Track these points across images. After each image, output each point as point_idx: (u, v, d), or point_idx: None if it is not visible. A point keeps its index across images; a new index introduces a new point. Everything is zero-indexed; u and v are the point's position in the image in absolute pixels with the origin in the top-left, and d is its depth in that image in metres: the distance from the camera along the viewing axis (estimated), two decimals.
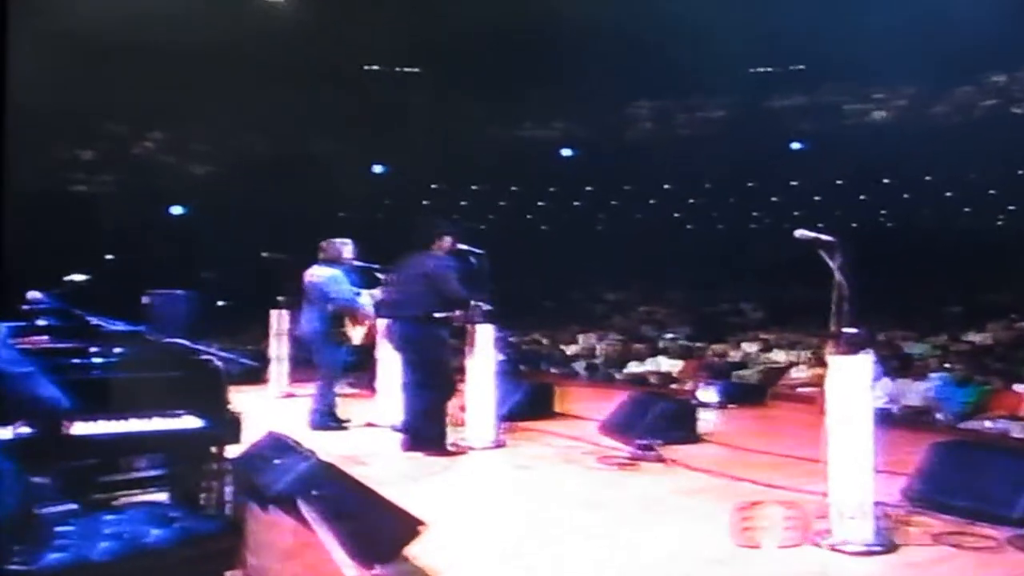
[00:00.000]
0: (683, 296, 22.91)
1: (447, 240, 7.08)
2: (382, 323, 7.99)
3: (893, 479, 5.17)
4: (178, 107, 20.24)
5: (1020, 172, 21.06)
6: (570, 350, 16.09)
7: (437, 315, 6.82)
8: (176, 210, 22.56)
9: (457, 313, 6.96)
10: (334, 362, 8.19)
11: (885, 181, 23.23)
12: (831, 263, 4.44)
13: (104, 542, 2.93)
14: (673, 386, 11.77)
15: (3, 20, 2.52)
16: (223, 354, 4.15)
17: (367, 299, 8.08)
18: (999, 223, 22.88)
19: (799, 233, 4.59)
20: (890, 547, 4.42)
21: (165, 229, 20.82)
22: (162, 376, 3.96)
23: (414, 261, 6.99)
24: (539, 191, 26.12)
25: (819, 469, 4.51)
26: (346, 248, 8.26)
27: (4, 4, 2.52)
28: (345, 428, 8.07)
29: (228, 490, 4.00)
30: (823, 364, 5.40)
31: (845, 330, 4.40)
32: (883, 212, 24.92)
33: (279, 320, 10.43)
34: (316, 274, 8.17)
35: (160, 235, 19.76)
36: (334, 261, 8.16)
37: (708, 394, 9.69)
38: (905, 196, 23.56)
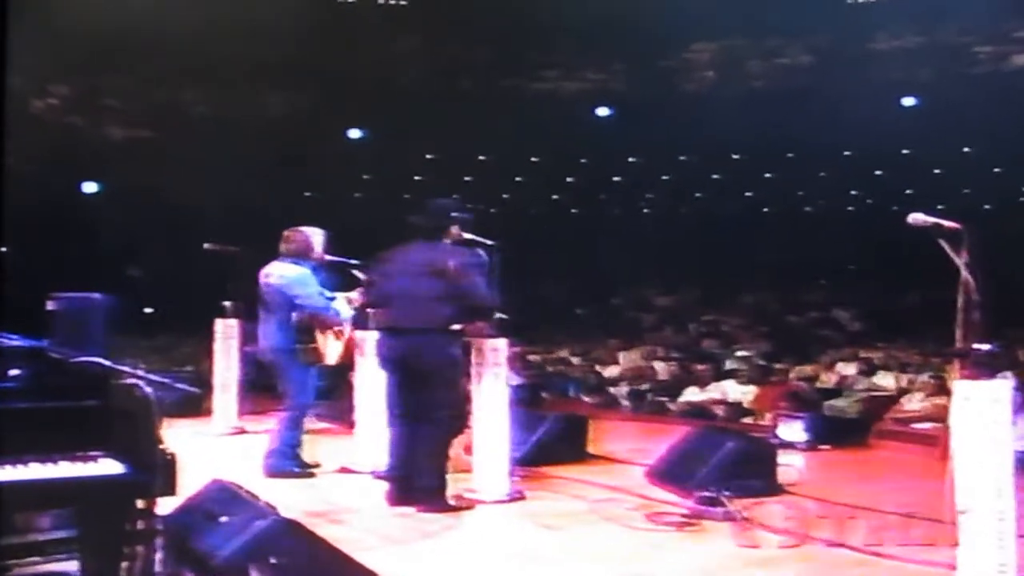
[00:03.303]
0: (757, 301, 22.89)
1: (453, 229, 7.11)
2: (363, 335, 8.01)
3: None
4: (93, 53, 20.33)
5: None
6: (608, 372, 16.09)
7: (456, 327, 6.85)
8: (89, 187, 22.67)
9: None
10: (303, 388, 8.17)
11: None
12: (956, 257, 4.42)
13: None
14: (745, 420, 11.77)
15: None
16: (153, 377, 4.16)
17: (343, 304, 8.09)
18: None
19: (913, 218, 4.58)
20: None
21: (75, 212, 20.92)
22: (72, 406, 3.97)
23: (420, 255, 6.97)
24: (567, 163, 26.05)
25: (942, 532, 4.48)
26: (316, 239, 8.29)
27: None
28: (313, 475, 8.08)
29: (158, 557, 4.01)
30: (946, 392, 5.37)
31: (975, 346, 4.38)
32: None
33: (226, 333, 10.47)
34: (277, 273, 8.17)
35: (69, 220, 19.85)
36: (300, 256, 8.18)
37: (792, 431, 9.70)
38: None
